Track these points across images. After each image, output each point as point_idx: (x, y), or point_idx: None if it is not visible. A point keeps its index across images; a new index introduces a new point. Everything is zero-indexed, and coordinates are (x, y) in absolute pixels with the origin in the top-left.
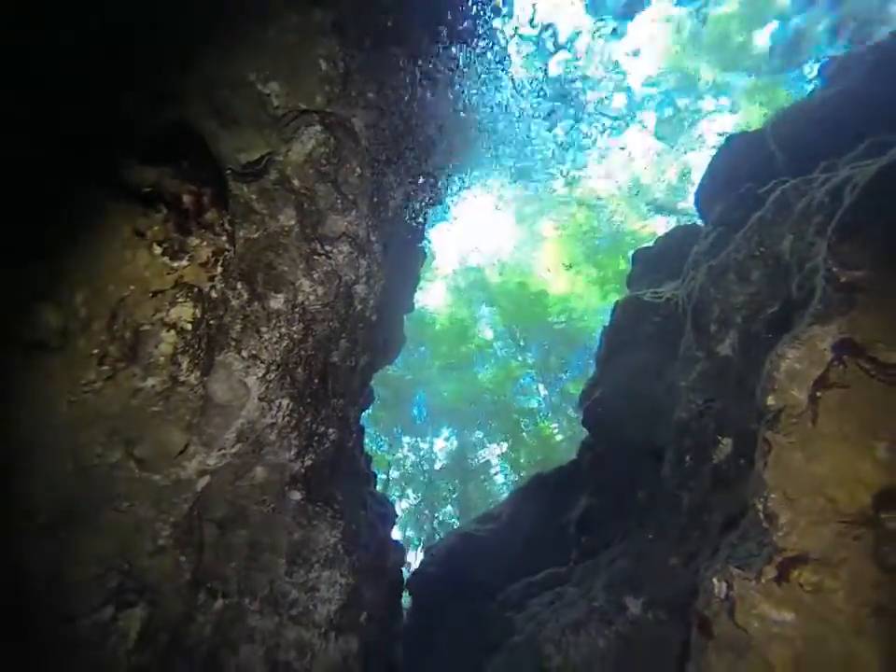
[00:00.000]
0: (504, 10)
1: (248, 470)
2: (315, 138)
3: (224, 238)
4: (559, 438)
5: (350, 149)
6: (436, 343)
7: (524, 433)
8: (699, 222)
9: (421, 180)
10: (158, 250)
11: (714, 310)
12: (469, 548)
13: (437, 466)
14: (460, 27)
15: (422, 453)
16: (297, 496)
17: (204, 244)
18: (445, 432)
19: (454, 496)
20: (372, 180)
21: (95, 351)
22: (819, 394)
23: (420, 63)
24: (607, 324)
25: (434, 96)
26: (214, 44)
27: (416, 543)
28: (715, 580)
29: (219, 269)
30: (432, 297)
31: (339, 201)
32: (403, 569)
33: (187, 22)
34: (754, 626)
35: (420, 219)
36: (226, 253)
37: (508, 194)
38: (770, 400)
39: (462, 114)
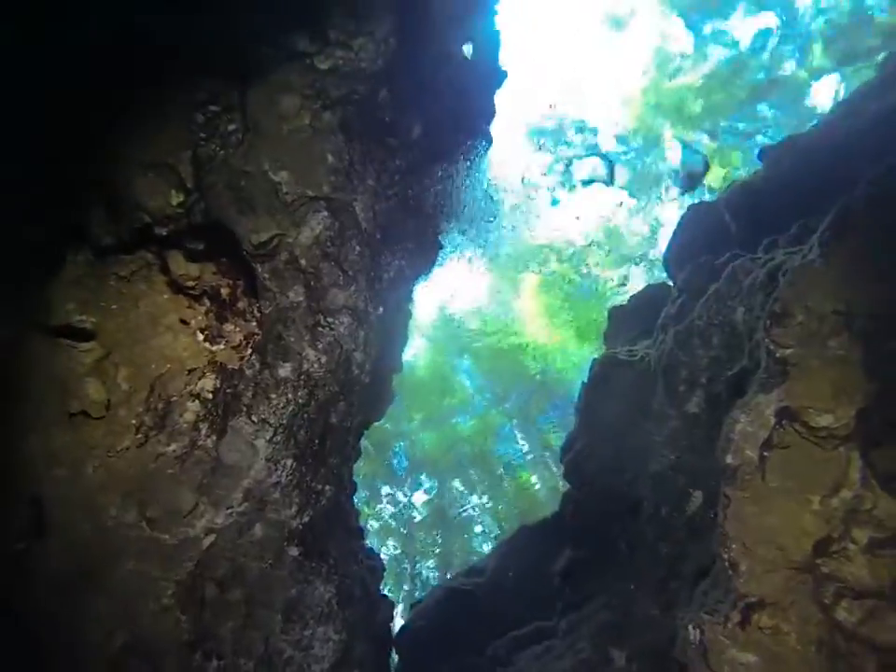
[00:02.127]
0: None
1: (251, 528)
2: (322, 223)
3: (254, 323)
4: (538, 488)
5: (351, 231)
6: (415, 394)
7: (503, 483)
8: (670, 282)
9: (412, 254)
10: (200, 336)
11: (682, 371)
12: (456, 602)
13: (416, 517)
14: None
15: (401, 505)
16: (294, 552)
17: (238, 329)
18: (426, 483)
19: (434, 549)
20: (370, 256)
21: (133, 421)
22: (766, 454)
23: (413, 151)
24: (585, 380)
25: (426, 180)
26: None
27: (396, 599)
28: (690, 626)
29: (249, 350)
30: (410, 348)
31: (340, 277)
32: (391, 624)
33: None
34: (725, 670)
35: (410, 286)
36: (255, 336)
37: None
38: (728, 459)
39: (451, 195)
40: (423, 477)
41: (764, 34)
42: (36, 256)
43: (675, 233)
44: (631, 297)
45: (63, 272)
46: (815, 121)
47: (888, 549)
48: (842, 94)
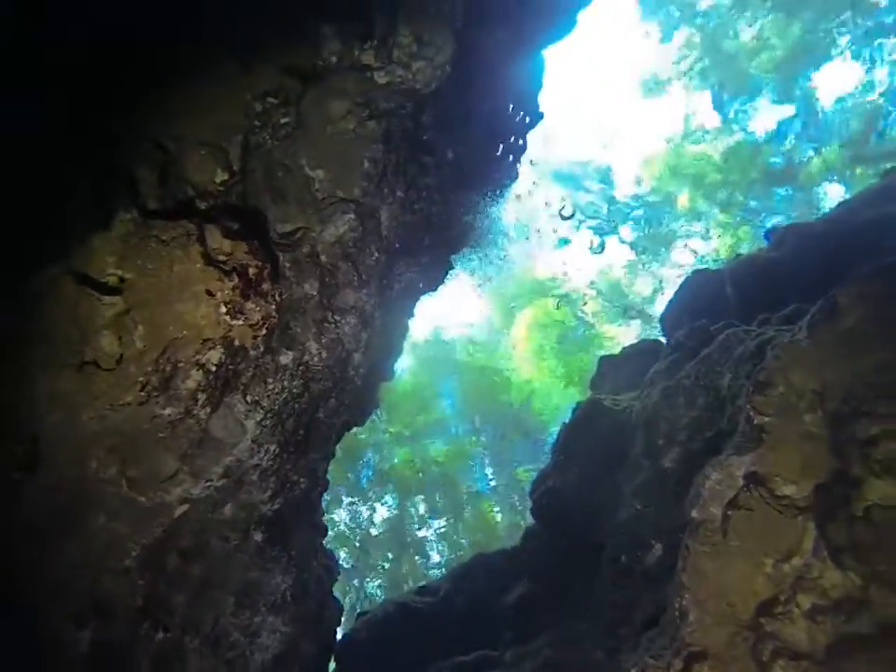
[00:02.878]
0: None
1: (223, 505)
2: (347, 224)
3: (273, 307)
4: (499, 521)
5: (373, 236)
6: (393, 406)
7: (465, 511)
8: (663, 339)
9: (424, 269)
10: (223, 309)
11: (662, 426)
12: (405, 618)
13: (373, 532)
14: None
15: (360, 517)
16: (259, 536)
17: (258, 309)
18: (388, 499)
19: (385, 566)
20: (385, 264)
21: (140, 379)
22: (730, 513)
23: (443, 172)
24: (566, 420)
25: (450, 202)
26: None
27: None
28: (633, 670)
29: (264, 331)
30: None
31: (355, 279)
32: (337, 629)
33: None
34: None
35: (415, 300)
36: (272, 319)
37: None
38: (694, 513)
39: (471, 220)
40: (386, 492)
41: (786, 123)
42: (86, 209)
43: (676, 294)
44: (623, 349)
45: (111, 226)
46: (821, 213)
47: (828, 616)
48: (847, 194)
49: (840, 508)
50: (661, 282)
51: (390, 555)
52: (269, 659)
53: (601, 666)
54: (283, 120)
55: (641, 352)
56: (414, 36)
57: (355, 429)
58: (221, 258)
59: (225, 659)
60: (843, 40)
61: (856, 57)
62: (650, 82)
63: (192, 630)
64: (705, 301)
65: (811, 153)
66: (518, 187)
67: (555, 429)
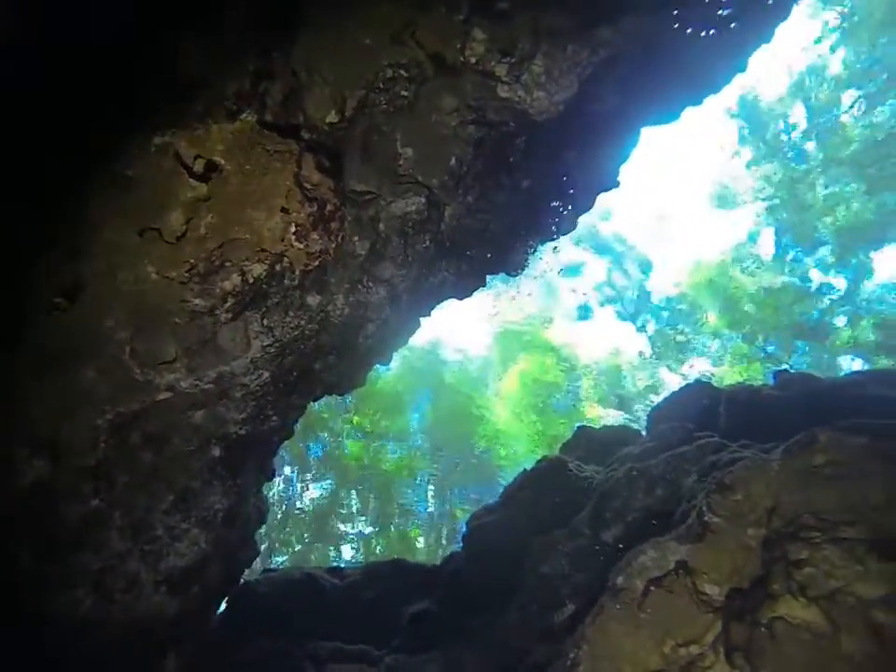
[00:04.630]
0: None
1: (198, 409)
2: (416, 206)
3: (333, 245)
4: (420, 545)
5: (432, 226)
6: (364, 398)
7: (393, 524)
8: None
9: (459, 276)
10: (291, 229)
11: (616, 503)
12: (308, 588)
13: (298, 508)
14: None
15: (293, 490)
16: (216, 452)
17: (320, 241)
18: (326, 483)
19: (297, 547)
20: (431, 256)
21: (190, 260)
22: (652, 588)
23: (513, 197)
24: (528, 468)
25: (508, 226)
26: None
27: None
28: None
29: (316, 262)
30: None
31: (400, 256)
32: (243, 572)
33: None
34: None
35: (438, 301)
36: (327, 256)
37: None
38: (619, 580)
39: (516, 252)
40: (327, 476)
41: (830, 287)
42: (214, 98)
43: (672, 395)
44: (602, 426)
45: (232, 120)
46: (835, 375)
47: None
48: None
49: (749, 613)
50: (659, 384)
51: (305, 537)
52: (179, 567)
53: None
54: (402, 93)
55: (618, 434)
56: (546, 68)
57: (322, 406)
58: (308, 185)
59: (140, 548)
60: None
61: None
62: (721, 195)
63: (123, 510)
64: (696, 411)
65: (845, 322)
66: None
67: (509, 479)
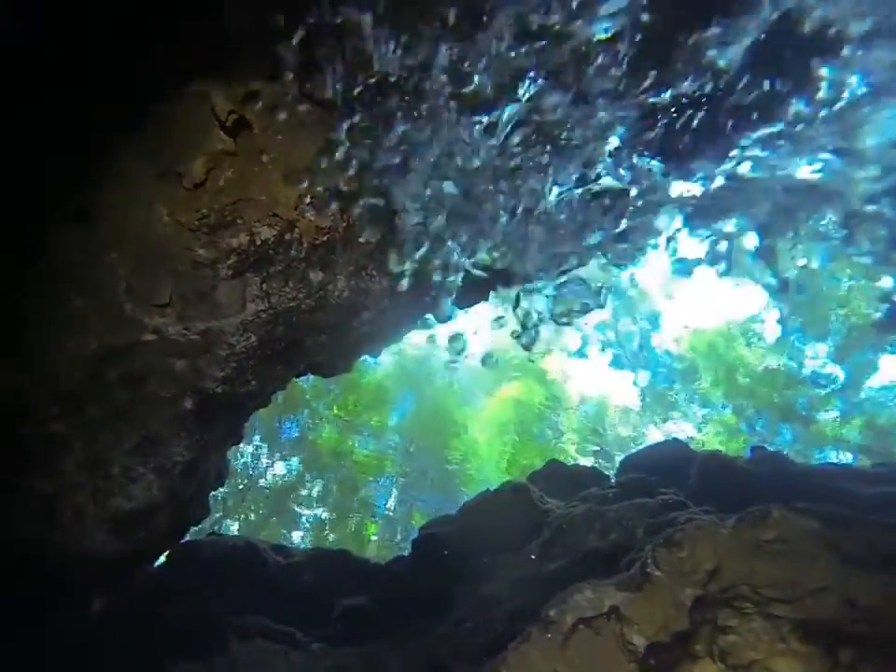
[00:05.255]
0: None
1: (178, 358)
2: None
3: (344, 225)
4: (373, 543)
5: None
6: (348, 388)
7: (349, 519)
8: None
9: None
10: (307, 199)
11: (569, 539)
12: (249, 558)
13: (260, 483)
14: None
15: (259, 464)
16: (188, 404)
17: (332, 218)
18: (293, 463)
19: (250, 517)
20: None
21: (203, 211)
22: (581, 627)
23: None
24: (490, 489)
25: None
26: None
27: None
28: None
29: (325, 237)
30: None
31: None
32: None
33: None
34: None
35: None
36: (336, 234)
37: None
38: (552, 612)
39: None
40: (296, 456)
41: (827, 378)
42: (255, 54)
43: (645, 448)
44: (574, 464)
45: (273, 80)
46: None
47: None
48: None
49: (668, 669)
50: (641, 436)
51: (262, 512)
52: (126, 508)
53: None
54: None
55: (586, 474)
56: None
57: (307, 385)
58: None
59: (94, 483)
60: None
61: None
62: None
63: (83, 442)
64: (667, 469)
65: (836, 416)
66: None
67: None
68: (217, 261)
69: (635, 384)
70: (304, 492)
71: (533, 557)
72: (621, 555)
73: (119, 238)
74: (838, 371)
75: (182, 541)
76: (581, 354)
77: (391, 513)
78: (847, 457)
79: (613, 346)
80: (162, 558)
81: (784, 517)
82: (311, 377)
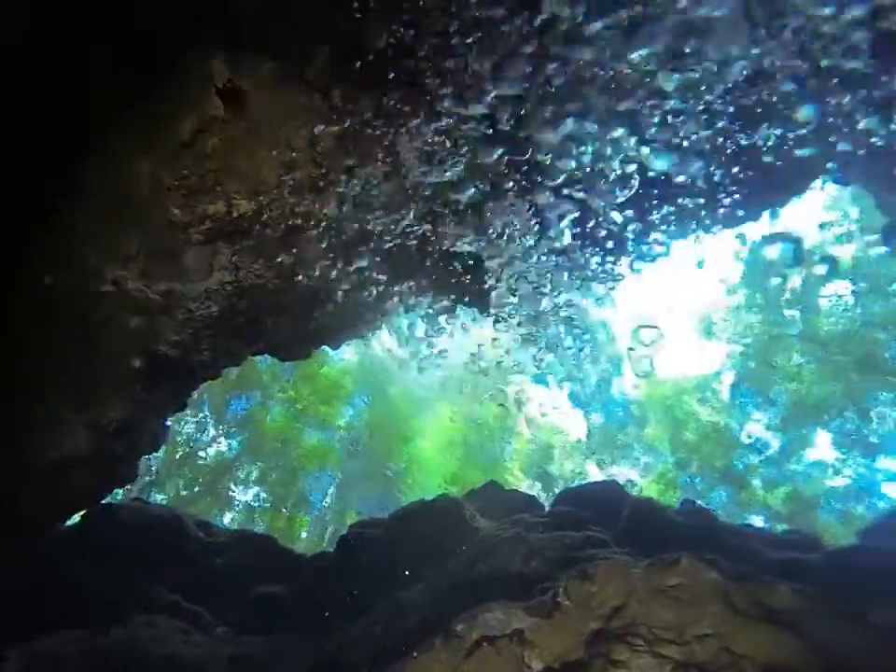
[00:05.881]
0: None
1: (135, 315)
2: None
3: (324, 213)
4: (303, 536)
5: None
6: (306, 378)
7: (283, 508)
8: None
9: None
10: (289, 181)
11: (492, 561)
12: (173, 530)
13: (200, 458)
14: None
15: (200, 438)
16: (137, 363)
17: (312, 204)
18: (234, 444)
19: (181, 493)
20: (415, 267)
21: (185, 172)
22: (484, 644)
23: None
24: (426, 499)
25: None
26: None
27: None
28: None
29: (300, 222)
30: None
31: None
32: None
33: None
34: None
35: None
36: (313, 220)
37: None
38: (459, 627)
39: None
40: (239, 436)
41: (765, 444)
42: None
43: (582, 485)
44: (511, 489)
45: (274, 64)
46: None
47: None
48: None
49: None
50: (584, 474)
51: (195, 487)
52: (48, 458)
53: None
54: None
55: (522, 500)
56: None
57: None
58: (318, 149)
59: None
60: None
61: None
62: (706, 325)
63: (20, 380)
64: (601, 507)
65: (761, 483)
66: None
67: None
68: (190, 225)
69: (586, 420)
70: (241, 473)
71: (455, 572)
72: (538, 582)
73: (99, 188)
74: (775, 441)
75: (103, 502)
76: (541, 380)
77: (325, 509)
78: (771, 523)
79: (572, 382)
80: (79, 517)
81: (691, 566)
82: (268, 358)
